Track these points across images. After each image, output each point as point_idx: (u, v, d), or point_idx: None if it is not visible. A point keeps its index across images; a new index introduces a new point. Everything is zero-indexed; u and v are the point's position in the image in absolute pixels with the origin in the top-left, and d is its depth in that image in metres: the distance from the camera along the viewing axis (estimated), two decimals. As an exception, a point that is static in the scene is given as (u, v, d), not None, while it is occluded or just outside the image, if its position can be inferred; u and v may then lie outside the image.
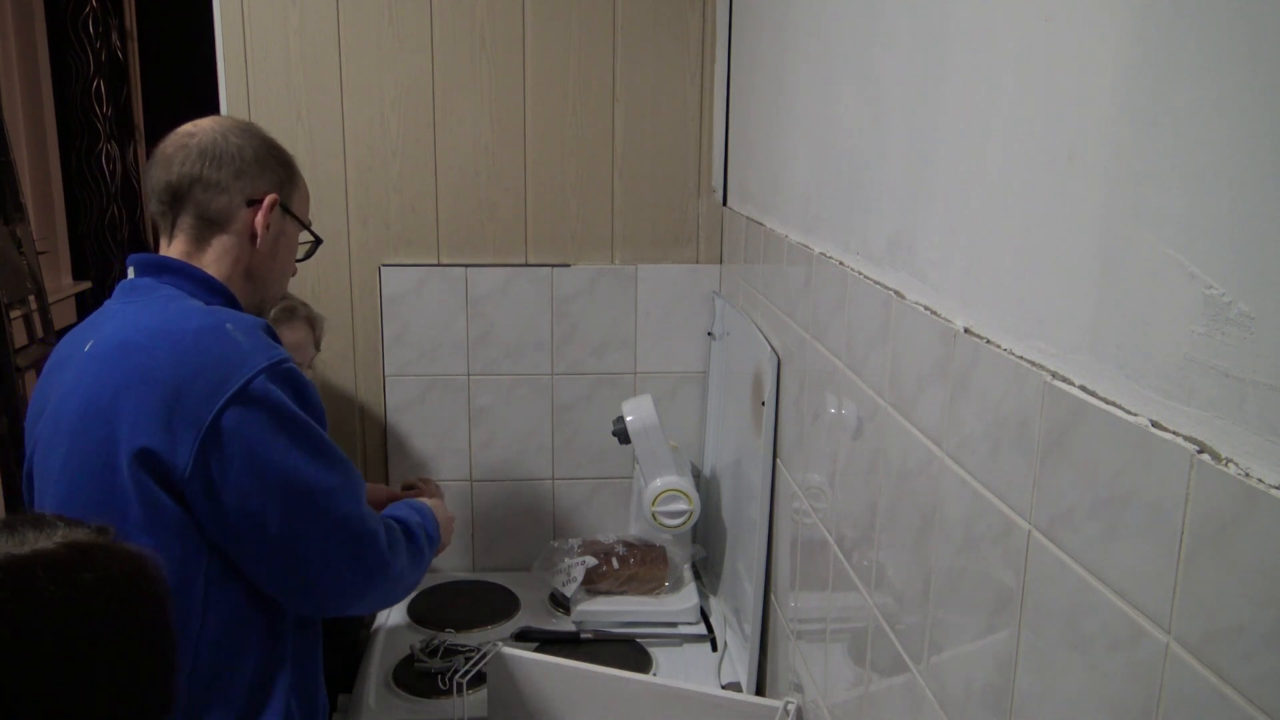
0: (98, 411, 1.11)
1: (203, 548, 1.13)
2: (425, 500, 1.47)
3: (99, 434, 1.10)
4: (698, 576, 2.04)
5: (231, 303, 1.24)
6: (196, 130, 1.24)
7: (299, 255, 1.35)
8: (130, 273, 1.24)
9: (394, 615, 1.92)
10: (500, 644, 1.49)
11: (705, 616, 1.91)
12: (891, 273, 1.05)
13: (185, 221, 1.23)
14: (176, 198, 1.22)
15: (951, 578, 0.88)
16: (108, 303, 1.24)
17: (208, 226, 1.23)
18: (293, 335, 1.68)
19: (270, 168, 1.26)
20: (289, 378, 1.15)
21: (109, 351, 1.14)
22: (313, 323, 1.75)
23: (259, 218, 1.24)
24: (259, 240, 1.25)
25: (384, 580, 1.24)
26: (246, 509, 1.12)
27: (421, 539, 1.34)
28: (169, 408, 1.08)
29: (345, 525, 1.18)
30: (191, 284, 1.21)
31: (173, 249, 1.24)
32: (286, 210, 1.29)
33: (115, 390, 1.10)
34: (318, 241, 1.38)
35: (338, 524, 1.17)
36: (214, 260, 1.24)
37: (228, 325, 1.14)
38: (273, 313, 1.63)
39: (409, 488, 1.67)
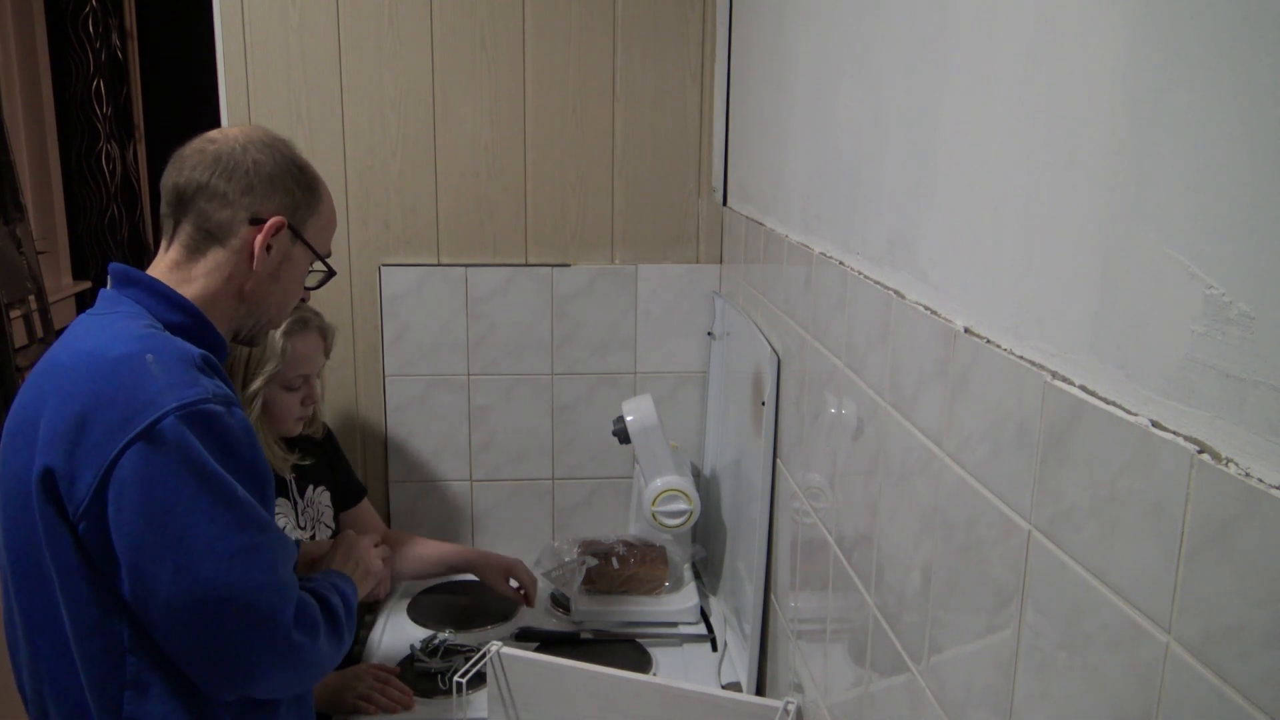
0: (23, 432, 1.08)
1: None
2: (354, 546, 1.40)
3: (24, 454, 1.08)
4: (698, 576, 2.04)
5: (198, 323, 1.17)
6: (219, 137, 1.20)
7: (310, 284, 1.29)
8: (108, 282, 1.20)
9: (394, 615, 1.92)
10: (500, 644, 1.49)
11: (705, 616, 1.91)
12: (891, 273, 1.05)
13: (185, 229, 1.19)
14: (181, 202, 1.18)
15: (951, 578, 0.88)
16: (82, 314, 1.21)
17: (206, 238, 1.18)
18: (305, 346, 1.66)
19: (285, 189, 1.20)
20: (205, 420, 1.05)
21: (45, 371, 1.12)
22: (324, 333, 1.74)
23: (259, 239, 1.18)
24: (256, 262, 1.19)
25: (293, 663, 1.12)
26: (137, 563, 1.04)
27: (343, 623, 1.22)
28: (75, 436, 1.04)
29: (245, 594, 1.06)
30: (152, 300, 1.16)
31: (167, 256, 1.20)
32: (298, 235, 1.22)
33: (39, 411, 1.07)
34: (330, 273, 1.30)
35: (235, 591, 1.05)
36: (204, 274, 1.18)
37: (148, 356, 1.06)
38: (286, 323, 1.61)
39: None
